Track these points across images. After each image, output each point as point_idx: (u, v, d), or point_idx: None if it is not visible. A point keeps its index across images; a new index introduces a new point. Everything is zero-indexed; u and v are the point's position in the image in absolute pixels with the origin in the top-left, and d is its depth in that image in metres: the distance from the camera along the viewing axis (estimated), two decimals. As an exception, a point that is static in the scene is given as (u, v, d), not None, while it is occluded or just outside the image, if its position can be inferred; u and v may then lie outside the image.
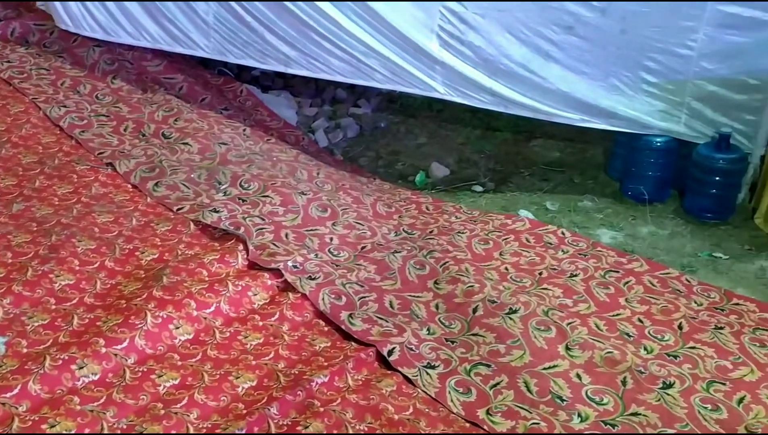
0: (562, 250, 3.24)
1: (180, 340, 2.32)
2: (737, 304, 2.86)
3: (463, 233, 3.35)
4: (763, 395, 2.32)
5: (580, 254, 3.21)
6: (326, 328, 2.48)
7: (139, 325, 2.28)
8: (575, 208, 3.75)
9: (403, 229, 3.34)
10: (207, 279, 2.57)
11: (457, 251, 3.17)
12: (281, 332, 2.42)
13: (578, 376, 2.40)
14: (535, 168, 4.25)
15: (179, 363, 2.22)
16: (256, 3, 3.69)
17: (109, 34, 4.00)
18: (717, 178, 3.54)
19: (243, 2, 3.69)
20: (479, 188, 3.98)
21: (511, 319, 2.65)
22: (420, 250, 3.13)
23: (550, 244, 3.29)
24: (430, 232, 3.35)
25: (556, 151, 4.50)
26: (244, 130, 3.80)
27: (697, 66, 3.51)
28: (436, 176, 4.10)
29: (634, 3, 3.42)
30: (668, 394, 2.33)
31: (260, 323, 2.45)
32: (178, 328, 2.33)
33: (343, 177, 3.74)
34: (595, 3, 3.44)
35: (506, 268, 3.07)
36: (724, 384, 2.38)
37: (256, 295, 2.56)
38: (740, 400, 2.31)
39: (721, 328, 2.68)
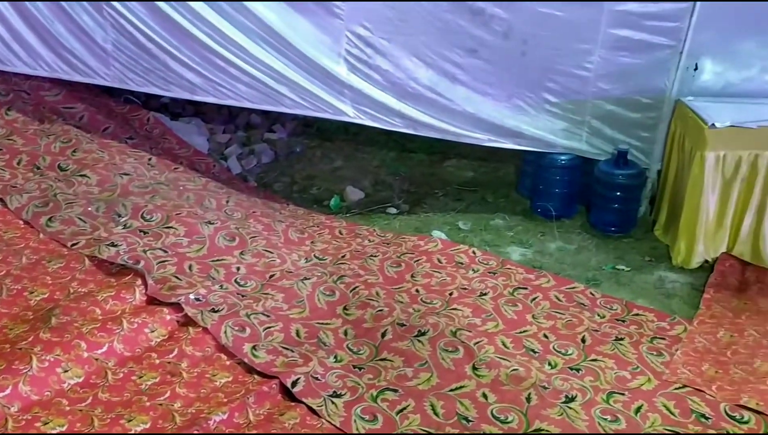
0: (473, 269, 3.28)
1: (68, 383, 2.20)
2: (637, 314, 2.96)
3: (375, 256, 3.35)
4: (659, 403, 2.40)
5: (490, 272, 3.26)
6: (228, 362, 2.41)
7: (24, 371, 2.15)
8: (487, 226, 3.81)
9: (315, 255, 3.31)
10: (100, 318, 2.46)
11: (368, 275, 3.16)
12: (179, 369, 2.34)
13: (484, 395, 2.41)
14: (449, 188, 4.31)
15: (67, 408, 2.11)
16: (159, 30, 3.61)
17: (3, 63, 3.82)
18: (618, 194, 3.67)
19: (143, 29, 3.60)
20: (394, 210, 3.99)
21: (419, 341, 2.66)
22: (330, 275, 3.10)
23: (461, 263, 3.33)
24: (343, 256, 3.34)
25: (470, 170, 4.58)
26: (150, 159, 3.69)
27: (595, 86, 3.65)
28: (351, 200, 4.10)
29: (533, 26, 3.53)
30: (570, 408, 2.37)
31: (157, 361, 2.35)
32: (66, 371, 2.22)
33: (255, 204, 3.69)
34: (496, 27, 3.53)
35: (417, 290, 3.08)
36: (623, 394, 2.44)
37: (153, 331, 2.47)
38: (638, 409, 2.37)
39: (622, 339, 2.77)
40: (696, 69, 3.56)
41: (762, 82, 3.56)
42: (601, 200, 3.73)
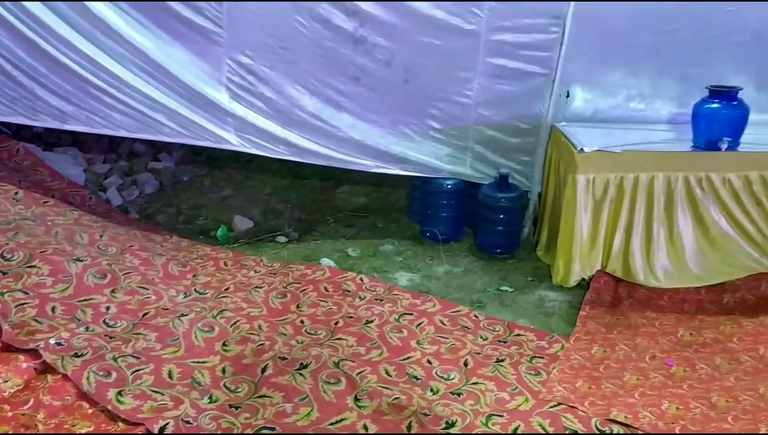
0: (360, 297, 3.26)
1: None
2: (518, 334, 3.03)
3: (260, 288, 3.27)
4: (535, 422, 2.44)
5: (376, 299, 3.25)
6: (90, 411, 2.25)
7: None
8: (376, 252, 3.82)
9: (196, 289, 3.19)
10: (-56, 372, 2.25)
11: (251, 308, 3.08)
12: (35, 421, 2.16)
13: (365, 426, 2.38)
14: (340, 214, 4.30)
15: None
16: (25, 58, 3.41)
17: None
18: (501, 216, 3.78)
19: (7, 56, 3.40)
20: (283, 239, 3.93)
21: (301, 374, 2.60)
22: (210, 310, 2.99)
23: (348, 291, 3.31)
24: (226, 289, 3.23)
25: (362, 196, 4.60)
26: (16, 193, 3.45)
27: (476, 113, 3.76)
28: (240, 229, 4.00)
29: (415, 54, 3.59)
30: (450, 434, 2.38)
31: (9, 414, 2.17)
32: None
33: (134, 237, 3.52)
34: (378, 55, 3.57)
35: (302, 321, 3.03)
36: (501, 416, 2.48)
37: (6, 381, 2.28)
38: (515, 430, 2.41)
39: (502, 360, 2.82)
40: (568, 96, 3.75)
41: (627, 108, 3.79)
42: (486, 223, 3.83)
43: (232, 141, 3.68)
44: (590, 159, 3.34)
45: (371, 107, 3.73)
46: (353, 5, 3.41)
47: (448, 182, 3.91)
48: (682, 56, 3.64)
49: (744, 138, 3.38)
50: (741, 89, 3.34)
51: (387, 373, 2.69)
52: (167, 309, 2.94)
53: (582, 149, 3.34)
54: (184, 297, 3.09)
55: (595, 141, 3.41)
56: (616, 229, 3.42)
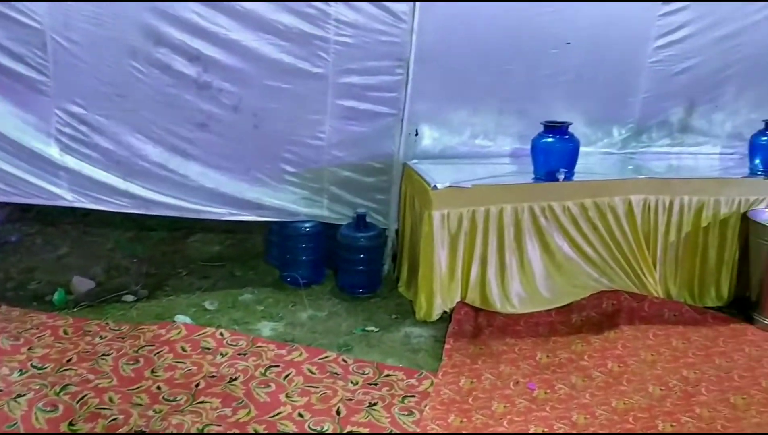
0: (221, 354, 3.08)
1: None
2: (388, 375, 3.00)
3: (108, 355, 2.98)
4: (413, 466, 2.42)
5: (239, 354, 3.09)
6: None
7: None
8: (236, 303, 3.65)
9: (32, 365, 2.84)
10: None
11: (100, 379, 2.79)
12: None
13: (237, 497, 2.21)
14: (193, 266, 4.08)
15: None
16: None
17: None
18: (361, 255, 3.77)
19: None
20: (131, 298, 3.64)
21: (161, 448, 2.38)
22: (52, 387, 2.67)
23: (208, 348, 3.11)
24: (68, 361, 2.91)
25: (217, 244, 4.41)
26: None
27: (330, 154, 3.75)
28: (79, 291, 3.64)
29: (263, 99, 3.52)
30: (328, 491, 2.28)
31: None
32: None
33: (-48, 312, 3.09)
34: (225, 100, 3.46)
35: (159, 387, 2.79)
36: (379, 464, 2.42)
37: None
38: (394, 478, 2.36)
39: (375, 404, 2.77)
40: (417, 134, 3.87)
41: (473, 145, 3.99)
42: (347, 263, 3.80)
43: (66, 197, 3.38)
44: (443, 195, 3.44)
45: (221, 154, 3.60)
46: (195, 51, 3.28)
47: (306, 225, 3.86)
48: (519, 94, 3.90)
49: (577, 168, 3.67)
50: (571, 124, 3.63)
51: (256, 432, 2.54)
52: (0, 391, 2.58)
53: (435, 186, 3.43)
54: (20, 374, 2.73)
55: (446, 177, 3.53)
56: (472, 261, 3.54)
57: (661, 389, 2.93)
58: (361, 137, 3.76)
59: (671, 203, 3.69)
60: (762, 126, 3.88)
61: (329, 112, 3.65)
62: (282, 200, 3.78)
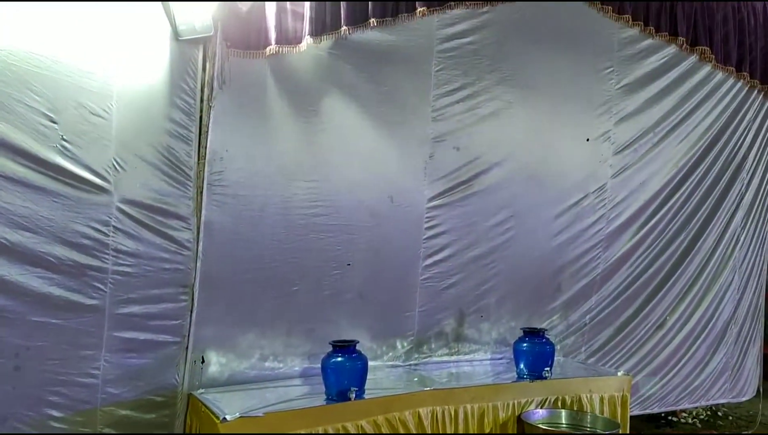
0: None
1: None
2: None
3: None
4: None
5: None
6: None
7: None
8: None
9: None
10: None
11: None
12: None
13: None
14: None
15: None
16: None
17: None
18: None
19: None
20: None
21: None
22: None
23: None
24: None
25: None
26: None
27: (104, 393, 3.41)
28: None
29: (25, 337, 3.17)
30: None
31: None
32: None
33: None
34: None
35: None
36: None
37: None
38: None
39: None
40: (203, 362, 3.71)
41: (263, 368, 3.91)
42: None
43: None
44: (234, 426, 3.25)
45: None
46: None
47: (74, 478, 3.35)
48: (306, 315, 3.99)
49: (367, 384, 3.74)
50: (358, 342, 3.75)
51: None
52: None
53: (224, 418, 3.24)
54: None
55: (236, 406, 3.36)
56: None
57: None
58: (141, 370, 3.50)
59: (456, 412, 3.87)
60: (521, 333, 4.38)
61: (105, 346, 3.39)
62: (47, 450, 3.28)
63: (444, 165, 4.36)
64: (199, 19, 3.48)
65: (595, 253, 4.98)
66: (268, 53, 3.73)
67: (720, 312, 5.74)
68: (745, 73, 5.30)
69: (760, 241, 5.92)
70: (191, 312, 3.60)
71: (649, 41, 4.96)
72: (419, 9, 4.06)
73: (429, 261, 4.37)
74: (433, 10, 4.15)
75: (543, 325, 4.79)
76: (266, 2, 3.72)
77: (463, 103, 4.38)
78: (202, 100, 3.62)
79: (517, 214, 4.63)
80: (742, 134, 5.57)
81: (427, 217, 4.33)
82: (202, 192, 3.62)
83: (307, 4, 3.79)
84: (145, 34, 3.45)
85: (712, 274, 5.64)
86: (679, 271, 5.45)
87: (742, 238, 5.77)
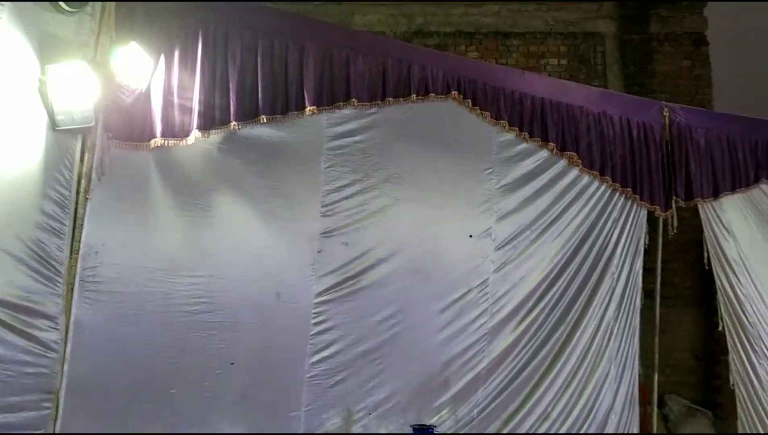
0: None
1: None
2: None
3: None
4: None
5: None
6: None
7: None
8: None
9: None
10: None
11: None
12: None
13: None
14: None
15: None
16: None
17: None
18: None
19: None
20: None
21: None
22: None
23: None
24: None
25: None
26: None
27: None
28: None
29: None
30: None
31: None
32: None
33: None
34: None
35: None
36: None
37: None
38: None
39: None
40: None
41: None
42: None
43: None
44: None
45: None
46: None
47: None
48: (184, 419, 3.76)
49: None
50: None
51: None
52: None
53: None
54: None
55: None
56: None
57: None
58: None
59: None
60: (410, 431, 4.31)
61: None
62: None
63: (332, 260, 4.36)
64: (79, 108, 3.37)
65: (480, 347, 5.05)
66: (152, 145, 3.67)
67: (600, 402, 5.92)
68: (607, 177, 5.75)
69: (631, 332, 6.24)
70: (55, 421, 3.29)
71: (524, 145, 5.30)
72: (309, 108, 4.17)
73: (316, 357, 4.27)
74: (322, 109, 4.27)
75: (432, 421, 4.73)
76: (152, 95, 3.69)
77: (352, 199, 4.46)
78: (78, 192, 3.47)
79: (403, 309, 4.66)
80: (609, 231, 5.97)
81: (314, 313, 4.26)
82: (72, 289, 3.40)
83: (195, 98, 3.80)
84: (19, 122, 3.29)
85: (591, 366, 5.84)
86: (560, 363, 5.60)
87: (615, 330, 6.06)
